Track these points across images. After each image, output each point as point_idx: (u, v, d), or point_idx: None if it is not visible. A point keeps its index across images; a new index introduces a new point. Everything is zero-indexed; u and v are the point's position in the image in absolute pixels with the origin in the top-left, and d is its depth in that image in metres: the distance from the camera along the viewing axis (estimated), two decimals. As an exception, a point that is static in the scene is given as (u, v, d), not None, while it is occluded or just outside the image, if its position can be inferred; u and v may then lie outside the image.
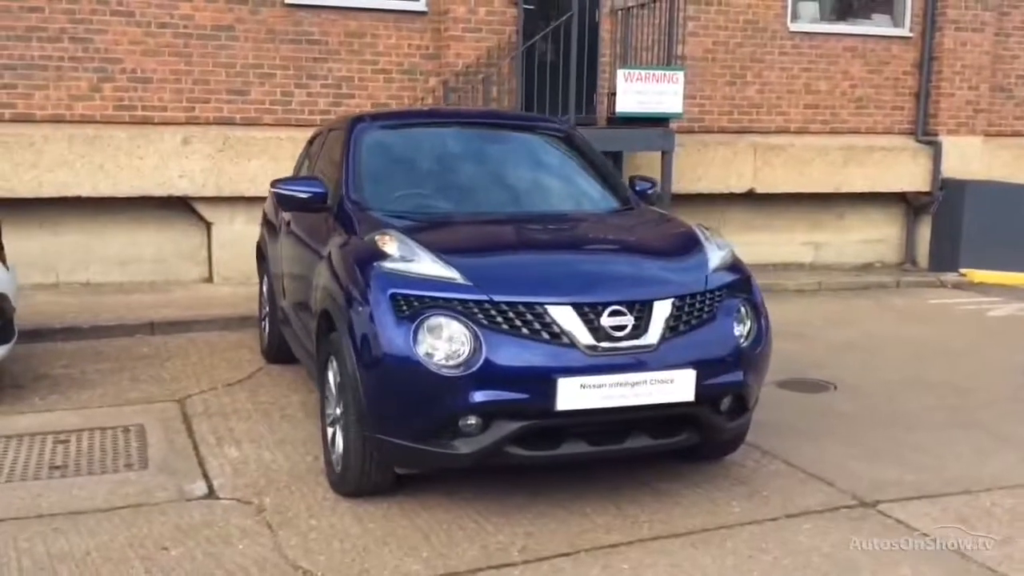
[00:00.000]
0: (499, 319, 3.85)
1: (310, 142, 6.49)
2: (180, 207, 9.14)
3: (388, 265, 4.05)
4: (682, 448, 4.46)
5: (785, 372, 6.72)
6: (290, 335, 5.82)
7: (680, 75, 9.10)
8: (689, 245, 4.50)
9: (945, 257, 11.42)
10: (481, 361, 3.76)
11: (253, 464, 4.75)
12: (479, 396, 3.78)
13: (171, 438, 5.12)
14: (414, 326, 3.83)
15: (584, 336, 3.85)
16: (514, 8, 9.63)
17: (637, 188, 5.50)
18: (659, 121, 9.30)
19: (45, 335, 7.30)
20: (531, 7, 9.74)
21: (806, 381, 6.58)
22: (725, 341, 4.11)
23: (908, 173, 11.49)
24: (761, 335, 4.30)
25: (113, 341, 7.31)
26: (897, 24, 11.53)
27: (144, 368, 6.55)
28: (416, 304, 3.89)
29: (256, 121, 9.20)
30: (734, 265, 4.51)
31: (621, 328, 3.90)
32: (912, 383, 6.52)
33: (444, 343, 3.82)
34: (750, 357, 4.21)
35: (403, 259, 4.06)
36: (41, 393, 5.92)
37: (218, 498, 4.34)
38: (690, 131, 10.68)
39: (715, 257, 4.41)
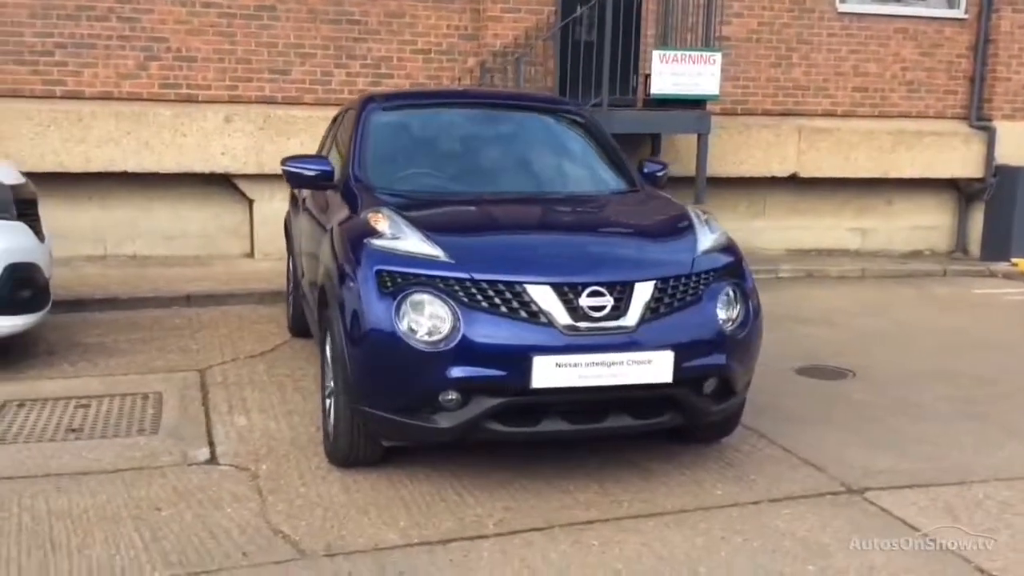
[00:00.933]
0: (479, 297, 3.93)
1: (334, 120, 6.63)
2: (223, 184, 9.39)
3: (376, 242, 4.16)
4: (676, 430, 4.54)
5: (805, 359, 6.70)
6: (307, 310, 5.98)
7: (717, 56, 9.02)
8: (680, 228, 4.51)
9: (997, 246, 11.14)
10: (459, 338, 3.86)
11: (258, 432, 4.92)
12: (457, 372, 3.87)
13: (185, 406, 5.31)
14: (396, 302, 3.93)
15: (562, 315, 3.91)
16: (554, -12, 9.65)
17: (646, 170, 5.51)
18: (697, 103, 9.23)
19: (86, 305, 7.59)
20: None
21: (825, 368, 6.53)
22: (707, 324, 4.13)
23: (960, 159, 11.22)
24: (748, 320, 4.30)
25: (149, 312, 7.57)
26: (952, 5, 11.24)
27: (174, 339, 6.79)
28: (400, 281, 3.99)
29: (297, 100, 9.40)
30: (726, 249, 4.50)
31: (600, 308, 3.95)
32: (934, 373, 6.42)
33: (425, 319, 3.91)
34: (735, 341, 4.22)
35: (392, 237, 4.16)
36: (72, 360, 6.18)
37: (218, 464, 4.51)
38: (732, 113, 10.60)
39: (705, 240, 4.42)
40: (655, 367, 3.95)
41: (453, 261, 4.00)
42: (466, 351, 3.85)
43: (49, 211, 8.79)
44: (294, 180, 5.17)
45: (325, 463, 4.50)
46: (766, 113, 10.80)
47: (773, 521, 4.02)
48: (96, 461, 4.48)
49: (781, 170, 10.68)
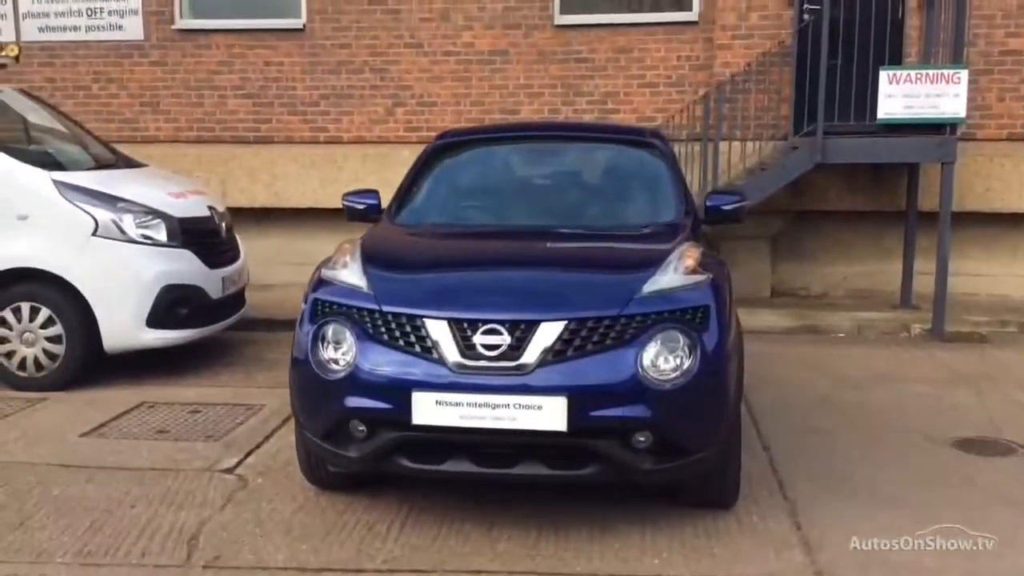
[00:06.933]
0: (383, 329, 3.91)
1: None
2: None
3: (326, 272, 4.30)
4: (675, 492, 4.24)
5: (983, 429, 5.66)
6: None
7: (963, 74, 7.79)
8: (642, 266, 4.05)
9: None
10: (353, 368, 3.87)
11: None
12: (352, 402, 3.88)
13: (268, 419, 5.75)
14: (314, 330, 4.04)
15: (452, 352, 3.76)
16: (789, 10, 9.01)
17: (709, 204, 5.01)
18: (940, 128, 8.04)
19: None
20: (817, 7, 8.97)
21: (995, 442, 5.44)
22: (622, 372, 3.69)
23: None
24: (693, 372, 3.75)
25: (347, 335, 8.25)
26: None
27: (338, 360, 7.34)
28: (327, 310, 4.10)
29: (525, 138, 9.68)
30: (693, 293, 3.94)
31: (495, 347, 3.73)
32: None
33: (334, 349, 3.98)
34: (667, 394, 3.71)
35: (340, 266, 4.27)
36: (235, 372, 6.95)
37: (230, 473, 4.88)
38: (1019, 139, 9.08)
39: (661, 281, 3.93)
40: (547, 414, 3.64)
41: (372, 293, 4.03)
42: (358, 382, 3.85)
43: (314, 243, 10.05)
44: (350, 214, 5.43)
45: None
46: (1071, 138, 9.10)
47: (676, 601, 3.51)
48: (141, 459, 5.05)
49: (1088, 205, 8.92)
